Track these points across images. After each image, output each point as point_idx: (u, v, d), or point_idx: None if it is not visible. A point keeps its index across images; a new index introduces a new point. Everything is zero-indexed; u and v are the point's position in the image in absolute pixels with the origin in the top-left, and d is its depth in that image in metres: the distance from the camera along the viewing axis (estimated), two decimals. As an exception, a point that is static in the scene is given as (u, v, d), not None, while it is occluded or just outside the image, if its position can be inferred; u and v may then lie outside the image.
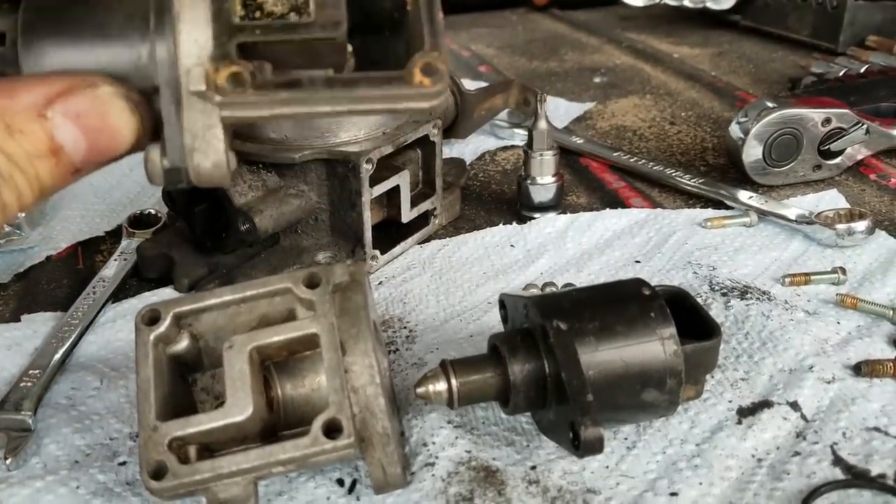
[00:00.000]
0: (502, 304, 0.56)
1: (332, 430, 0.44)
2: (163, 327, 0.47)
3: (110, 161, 0.38)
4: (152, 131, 0.39)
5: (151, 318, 0.47)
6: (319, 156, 0.67)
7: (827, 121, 0.83)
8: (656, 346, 0.48)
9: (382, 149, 0.68)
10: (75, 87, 0.36)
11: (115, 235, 0.79)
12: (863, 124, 0.84)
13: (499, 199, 0.86)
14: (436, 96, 0.37)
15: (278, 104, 0.37)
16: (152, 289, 0.70)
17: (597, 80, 1.23)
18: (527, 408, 0.50)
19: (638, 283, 0.51)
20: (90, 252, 0.77)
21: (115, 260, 0.74)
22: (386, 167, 0.71)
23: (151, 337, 0.47)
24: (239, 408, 0.45)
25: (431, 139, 0.74)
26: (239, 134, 0.69)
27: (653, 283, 0.66)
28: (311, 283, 0.48)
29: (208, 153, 0.39)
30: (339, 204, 0.69)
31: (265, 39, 0.37)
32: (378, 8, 0.41)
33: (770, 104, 0.84)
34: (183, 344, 0.49)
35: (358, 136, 0.68)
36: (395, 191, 0.71)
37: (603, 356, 0.47)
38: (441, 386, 0.48)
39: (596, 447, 0.45)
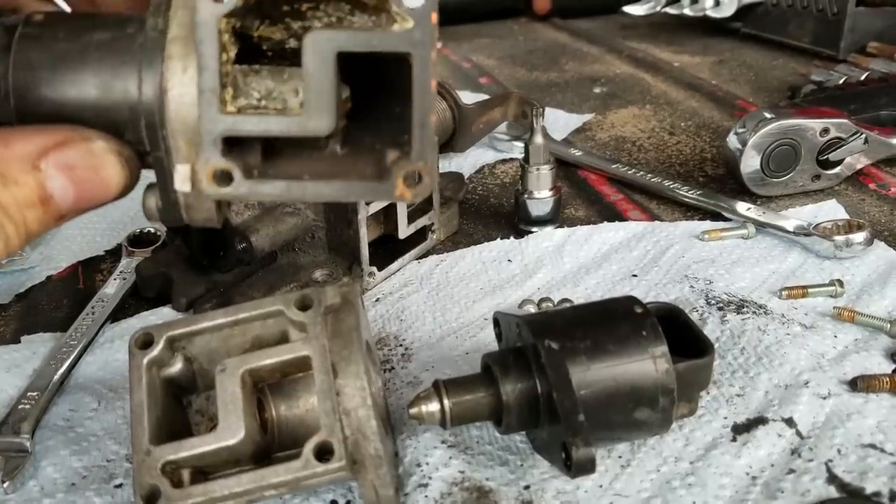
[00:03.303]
0: (496, 323, 0.56)
1: (323, 452, 0.44)
2: (156, 351, 0.47)
3: (95, 208, 0.39)
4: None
5: (145, 341, 0.48)
6: (315, 174, 0.67)
7: (825, 131, 0.83)
8: (648, 365, 0.48)
9: (378, 166, 0.68)
10: (70, 140, 0.36)
11: (115, 254, 0.80)
12: (861, 134, 0.84)
13: (497, 213, 0.86)
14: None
15: (267, 192, 0.37)
16: (151, 308, 0.70)
17: (597, 90, 1.23)
18: (520, 427, 0.50)
19: (630, 301, 0.51)
20: (90, 271, 0.77)
21: (115, 279, 0.74)
22: (382, 184, 0.71)
23: (145, 361, 0.47)
24: (231, 431, 0.45)
25: (428, 155, 0.74)
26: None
27: (649, 298, 0.67)
28: (303, 306, 0.48)
29: (200, 211, 0.39)
30: (336, 222, 0.69)
31: (251, 134, 0.37)
32: (382, 70, 0.40)
33: (768, 115, 0.84)
34: (177, 367, 0.49)
35: (353, 153, 0.69)
36: (392, 207, 0.72)
37: (595, 375, 0.47)
38: (434, 406, 0.49)
39: (587, 468, 0.45)
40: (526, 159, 0.78)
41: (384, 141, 0.39)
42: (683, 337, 0.52)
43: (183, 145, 0.37)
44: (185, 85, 0.37)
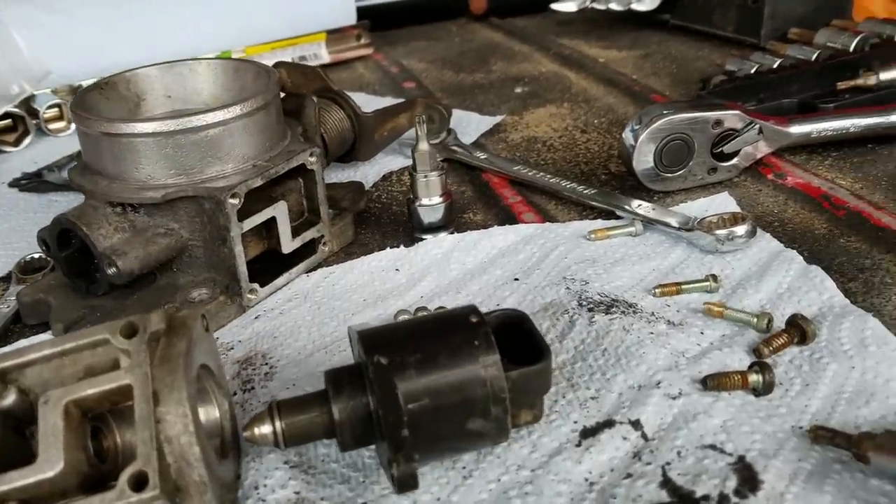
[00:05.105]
0: (350, 338, 0.56)
1: (139, 482, 0.44)
2: (-15, 384, 0.47)
3: None
4: None
5: (-27, 375, 0.47)
6: (185, 193, 0.67)
7: (717, 123, 0.83)
8: (479, 375, 0.48)
9: (250, 182, 0.67)
10: None
11: (7, 280, 0.79)
12: (755, 124, 0.84)
13: (397, 222, 0.85)
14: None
15: None
16: (34, 334, 0.70)
17: (518, 90, 1.23)
18: (356, 445, 0.49)
19: (467, 311, 0.51)
20: (-21, 300, 0.77)
21: (1, 306, 0.74)
22: (261, 199, 0.70)
23: (-26, 394, 0.47)
24: (50, 464, 0.44)
25: (309, 168, 0.73)
26: (104, 174, 0.69)
27: (527, 301, 0.67)
28: (129, 333, 0.48)
29: None
30: (211, 240, 0.69)
31: None
32: None
33: (662, 110, 0.83)
34: (10, 399, 0.48)
35: (224, 170, 0.68)
36: (273, 221, 0.71)
37: (424, 388, 0.47)
38: (266, 429, 0.48)
39: (410, 483, 0.45)
40: (414, 167, 0.78)
41: None
42: (528, 343, 0.52)
43: None
44: None
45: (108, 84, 0.77)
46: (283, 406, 0.49)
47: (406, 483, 0.45)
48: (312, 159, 0.73)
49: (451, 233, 0.80)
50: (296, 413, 0.49)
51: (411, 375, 0.47)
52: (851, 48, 1.09)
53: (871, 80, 0.98)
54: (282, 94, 0.85)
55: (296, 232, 0.74)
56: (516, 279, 0.71)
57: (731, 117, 0.84)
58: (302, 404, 0.49)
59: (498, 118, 1.10)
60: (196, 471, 0.45)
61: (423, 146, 0.77)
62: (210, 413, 0.52)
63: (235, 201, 0.66)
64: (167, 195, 0.67)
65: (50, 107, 1.17)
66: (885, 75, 0.98)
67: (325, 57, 1.44)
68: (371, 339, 0.49)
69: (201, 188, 0.67)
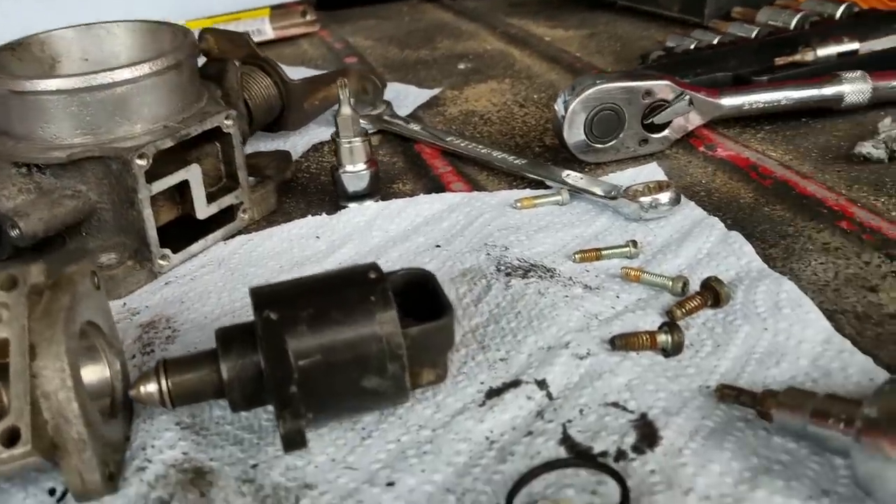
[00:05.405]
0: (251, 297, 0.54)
1: (11, 438, 0.42)
2: None
3: None
4: None
5: None
6: (91, 153, 0.65)
7: (648, 93, 0.82)
8: (373, 330, 0.46)
9: (159, 143, 0.65)
10: None
11: (-86, 249, 0.76)
12: (685, 95, 0.83)
13: (324, 192, 0.84)
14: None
15: None
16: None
17: (461, 66, 1.21)
18: (246, 405, 0.48)
19: (367, 268, 0.49)
20: None
21: None
22: (175, 162, 0.68)
23: None
24: (-82, 421, 0.42)
25: (225, 131, 0.71)
26: (10, 134, 0.66)
27: (446, 267, 0.66)
28: (9, 285, 0.46)
29: None
30: (119, 203, 0.66)
31: None
32: None
33: (595, 80, 0.82)
34: None
35: (133, 130, 0.66)
36: (187, 185, 0.69)
37: (315, 345, 0.45)
38: (152, 387, 0.46)
39: (297, 441, 0.44)
40: (337, 133, 0.76)
41: None
42: (433, 303, 0.50)
43: None
44: None
45: (21, 45, 0.74)
46: (171, 364, 0.47)
47: (293, 441, 0.43)
48: (229, 122, 0.71)
49: (377, 201, 0.78)
50: (184, 371, 0.47)
51: (302, 331, 0.45)
52: (792, 25, 1.09)
53: (809, 56, 0.98)
54: (206, 59, 0.83)
55: (212, 198, 0.72)
56: (437, 246, 0.70)
57: (662, 87, 0.83)
58: (190, 363, 0.47)
59: (436, 91, 1.08)
60: (74, 428, 0.43)
61: (346, 110, 0.75)
62: (99, 372, 0.50)
63: (143, 162, 0.64)
64: (73, 155, 0.64)
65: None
66: (823, 51, 0.98)
67: (270, 33, 1.41)
68: (263, 296, 0.48)
69: (108, 148, 0.64)
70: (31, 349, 0.44)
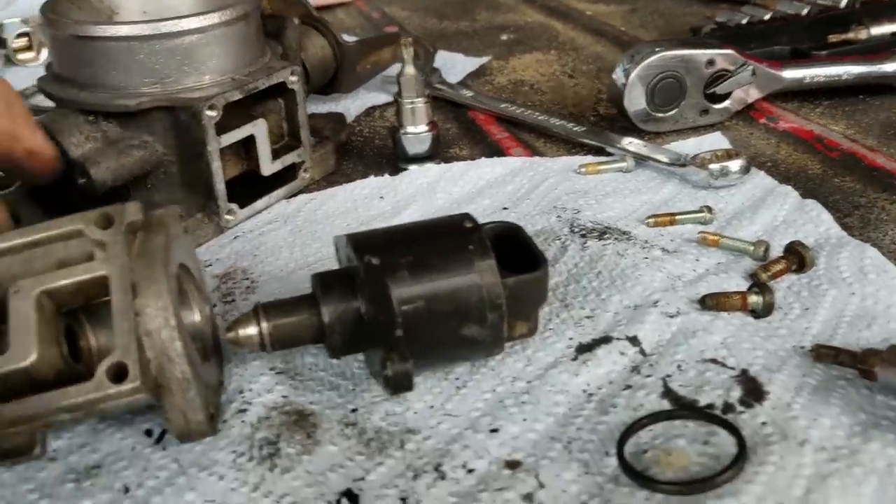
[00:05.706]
0: (337, 248, 0.53)
1: (118, 374, 0.41)
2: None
3: None
4: None
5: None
6: (160, 103, 0.64)
7: (710, 62, 0.81)
8: (474, 279, 0.45)
9: (228, 95, 0.64)
10: None
11: (-31, 200, 0.75)
12: (748, 65, 0.82)
13: (381, 154, 0.83)
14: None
15: None
16: None
17: (504, 37, 1.20)
18: (345, 350, 0.47)
19: (461, 217, 0.49)
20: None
21: (-37, 223, 0.70)
22: (240, 116, 0.67)
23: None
24: (23, 353, 0.42)
25: (289, 87, 0.70)
26: (75, 81, 0.65)
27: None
28: (105, 224, 0.45)
29: None
30: (187, 155, 0.66)
31: None
32: None
33: (655, 47, 0.81)
34: (-24, 294, 0.45)
35: (202, 81, 0.65)
36: (252, 141, 0.68)
37: (417, 291, 0.45)
38: (252, 330, 0.46)
39: (404, 383, 0.43)
40: (399, 93, 0.75)
41: None
42: (523, 256, 0.50)
43: None
44: None
45: (81, -4, 0.73)
46: (269, 308, 0.46)
47: (401, 383, 0.42)
48: (294, 78, 0.71)
49: (438, 163, 0.77)
50: (283, 315, 0.46)
51: (403, 277, 0.45)
52: (843, 3, 1.08)
53: (863, 35, 0.97)
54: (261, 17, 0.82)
55: (276, 155, 0.71)
56: (505, 208, 0.69)
57: (724, 57, 0.82)
58: (289, 306, 0.47)
59: (484, 59, 1.07)
60: (178, 367, 0.43)
61: (410, 70, 0.74)
62: (190, 316, 0.49)
63: (213, 113, 0.63)
64: (141, 104, 0.63)
65: (19, 35, 1.12)
66: (877, 30, 0.97)
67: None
68: (361, 242, 0.47)
69: (177, 98, 0.64)
70: (133, 287, 0.43)
